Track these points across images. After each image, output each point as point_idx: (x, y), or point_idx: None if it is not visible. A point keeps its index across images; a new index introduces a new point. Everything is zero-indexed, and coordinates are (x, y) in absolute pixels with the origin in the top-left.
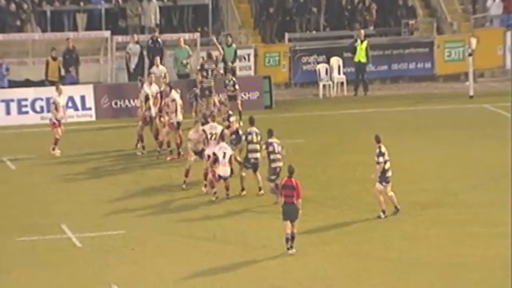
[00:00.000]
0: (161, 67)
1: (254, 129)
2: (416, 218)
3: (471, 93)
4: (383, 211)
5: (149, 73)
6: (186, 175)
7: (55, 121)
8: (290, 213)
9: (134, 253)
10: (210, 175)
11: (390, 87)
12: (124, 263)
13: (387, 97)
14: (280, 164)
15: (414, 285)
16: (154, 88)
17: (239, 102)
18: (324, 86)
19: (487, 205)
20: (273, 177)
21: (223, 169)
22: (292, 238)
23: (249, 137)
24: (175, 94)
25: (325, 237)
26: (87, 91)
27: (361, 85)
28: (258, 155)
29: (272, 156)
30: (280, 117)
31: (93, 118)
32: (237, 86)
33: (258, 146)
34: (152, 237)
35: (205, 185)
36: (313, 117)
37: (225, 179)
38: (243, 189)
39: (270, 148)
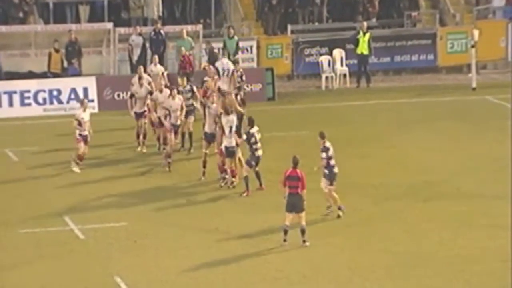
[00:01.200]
0: (159, 66)
1: (254, 128)
2: (418, 211)
3: (474, 85)
4: (340, 208)
5: (147, 71)
6: (204, 166)
7: (78, 136)
8: (294, 204)
9: (137, 245)
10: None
11: (393, 79)
12: (126, 255)
13: (389, 89)
14: (261, 152)
15: (417, 278)
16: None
17: (242, 93)
18: (326, 78)
19: (490, 197)
20: (253, 163)
21: (228, 141)
22: (303, 231)
23: (252, 139)
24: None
25: (328, 229)
26: (90, 83)
27: (364, 77)
28: (261, 152)
29: (255, 146)
30: (283, 109)
31: (96, 110)
32: (244, 78)
33: (260, 144)
34: (154, 230)
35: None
36: (315, 109)
37: (229, 151)
38: (248, 190)
39: (252, 140)
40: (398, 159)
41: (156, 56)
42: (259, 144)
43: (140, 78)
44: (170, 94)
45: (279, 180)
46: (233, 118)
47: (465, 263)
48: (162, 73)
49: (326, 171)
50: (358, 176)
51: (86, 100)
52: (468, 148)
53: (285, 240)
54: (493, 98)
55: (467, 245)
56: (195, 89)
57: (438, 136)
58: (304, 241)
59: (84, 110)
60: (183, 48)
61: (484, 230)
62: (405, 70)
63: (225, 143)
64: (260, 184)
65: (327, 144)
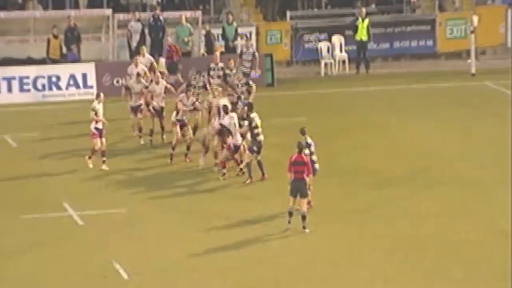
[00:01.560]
0: (147, 56)
1: (254, 114)
2: (418, 196)
3: (473, 70)
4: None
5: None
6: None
7: (94, 130)
8: (299, 189)
9: (136, 231)
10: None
11: (392, 65)
12: (126, 242)
13: (388, 75)
14: (262, 137)
15: (417, 263)
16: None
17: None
18: (325, 64)
19: (489, 182)
20: (255, 149)
21: (235, 138)
22: (303, 217)
23: (253, 124)
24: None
25: (327, 215)
26: (89, 69)
27: (363, 63)
28: (262, 137)
29: (255, 131)
30: (282, 95)
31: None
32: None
33: (261, 129)
34: (154, 216)
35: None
36: (314, 95)
37: (237, 147)
38: (250, 178)
39: (254, 123)
40: (397, 145)
41: (144, 47)
42: (260, 129)
43: (138, 74)
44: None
45: (285, 168)
46: (233, 115)
47: (465, 248)
48: (152, 64)
49: (314, 166)
50: (358, 162)
51: (102, 94)
52: (467, 134)
53: (289, 222)
54: (493, 84)
55: (467, 230)
56: (208, 86)
57: (438, 122)
58: (304, 227)
59: (99, 103)
60: (169, 38)
61: (483, 215)
62: (404, 56)
63: (232, 140)
64: (263, 174)
65: (309, 140)
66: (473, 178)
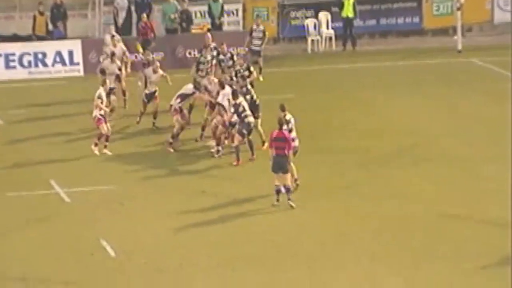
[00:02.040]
0: (120, 46)
1: (240, 99)
2: (406, 173)
3: (460, 47)
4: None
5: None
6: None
7: (99, 116)
8: (280, 165)
9: (124, 208)
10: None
11: (379, 42)
12: (113, 218)
13: (375, 52)
14: (252, 119)
15: (405, 241)
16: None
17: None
18: (312, 41)
19: (477, 160)
20: (245, 132)
21: (231, 115)
22: (288, 190)
23: (240, 109)
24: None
25: (314, 192)
26: (75, 46)
27: (349, 40)
28: (251, 118)
29: (243, 114)
30: (269, 72)
31: (81, 73)
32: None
33: (249, 112)
34: (142, 193)
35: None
36: (301, 72)
37: (234, 125)
38: (238, 159)
39: (240, 109)
40: (384, 122)
41: (116, 37)
42: (248, 112)
43: (113, 54)
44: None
45: (268, 144)
46: (228, 91)
47: (453, 226)
48: (124, 52)
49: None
50: (345, 140)
51: (108, 81)
52: (454, 111)
53: (278, 200)
54: (479, 60)
55: (455, 208)
56: (235, 57)
57: (425, 99)
58: (289, 199)
59: (105, 91)
60: (144, 15)
61: (471, 193)
62: (391, 33)
63: (227, 118)
64: (252, 154)
65: (288, 116)
66: (461, 155)
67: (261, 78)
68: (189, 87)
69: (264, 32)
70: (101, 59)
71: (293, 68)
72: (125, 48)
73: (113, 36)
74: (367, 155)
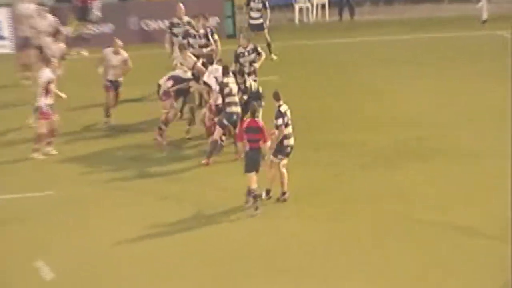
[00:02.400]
0: (50, 17)
1: (230, 79)
2: (409, 171)
3: (484, 16)
4: (268, 192)
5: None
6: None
7: (45, 109)
8: (256, 162)
9: (61, 219)
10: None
11: (383, 11)
12: (50, 232)
13: (378, 23)
14: (238, 109)
15: (409, 249)
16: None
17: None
18: (301, 9)
19: (493, 155)
20: (226, 123)
21: (214, 96)
22: (255, 196)
23: (226, 90)
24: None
25: (299, 195)
26: (1, 15)
27: (347, 8)
28: (239, 109)
29: (228, 99)
30: None
31: (8, 50)
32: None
33: (237, 98)
34: (82, 199)
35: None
36: (287, 48)
37: (219, 108)
38: (209, 158)
39: (227, 90)
40: (386, 111)
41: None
42: (234, 98)
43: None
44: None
45: (237, 135)
46: (217, 67)
47: (462, 234)
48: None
49: (284, 143)
50: (339, 132)
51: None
52: (472, 96)
53: (256, 209)
54: (508, 33)
55: (465, 212)
56: (259, 48)
57: (438, 82)
58: (247, 202)
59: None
60: None
61: (484, 193)
62: (398, 0)
63: (212, 99)
64: (237, 152)
65: (283, 107)
66: (474, 150)
67: (274, 57)
68: (187, 72)
69: (264, 3)
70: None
71: (276, 43)
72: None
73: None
74: (364, 149)
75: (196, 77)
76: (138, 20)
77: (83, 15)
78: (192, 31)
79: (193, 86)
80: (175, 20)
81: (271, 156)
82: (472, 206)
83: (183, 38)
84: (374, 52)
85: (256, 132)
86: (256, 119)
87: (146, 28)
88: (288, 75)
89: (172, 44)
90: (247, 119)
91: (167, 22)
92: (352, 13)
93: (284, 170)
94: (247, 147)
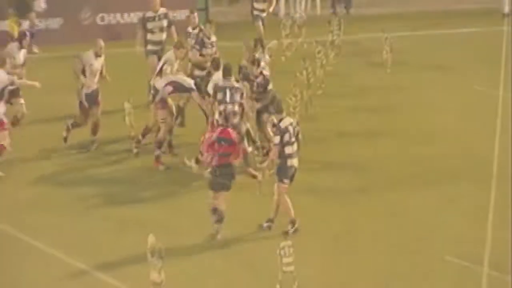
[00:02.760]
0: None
1: (232, 82)
2: (424, 198)
3: (507, 9)
4: (293, 223)
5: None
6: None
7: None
8: (222, 181)
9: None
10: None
11: (385, 3)
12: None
13: (380, 17)
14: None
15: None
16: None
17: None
18: (287, 1)
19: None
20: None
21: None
22: (219, 218)
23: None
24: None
25: (300, 237)
26: None
27: (341, 0)
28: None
29: (222, 107)
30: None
31: None
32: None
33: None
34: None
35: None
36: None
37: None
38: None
39: (219, 96)
40: (394, 122)
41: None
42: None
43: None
44: None
45: (201, 145)
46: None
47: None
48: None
49: (288, 163)
50: (338, 150)
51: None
52: (498, 104)
53: (217, 235)
54: None
55: (493, 248)
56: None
57: (456, 87)
58: (215, 233)
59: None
60: None
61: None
62: None
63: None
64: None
65: (285, 122)
66: (499, 171)
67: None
68: (189, 80)
69: None
70: None
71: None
72: None
73: None
74: (371, 172)
75: (199, 87)
76: (92, 13)
77: (25, 7)
78: (206, 40)
79: (195, 98)
80: (150, 14)
81: (279, 184)
82: (500, 242)
83: (199, 49)
84: (375, 52)
85: (228, 144)
86: (229, 129)
87: (101, 23)
88: (271, 78)
89: (146, 43)
90: (219, 128)
91: (133, 16)
92: (348, 6)
93: (286, 197)
94: (214, 162)
